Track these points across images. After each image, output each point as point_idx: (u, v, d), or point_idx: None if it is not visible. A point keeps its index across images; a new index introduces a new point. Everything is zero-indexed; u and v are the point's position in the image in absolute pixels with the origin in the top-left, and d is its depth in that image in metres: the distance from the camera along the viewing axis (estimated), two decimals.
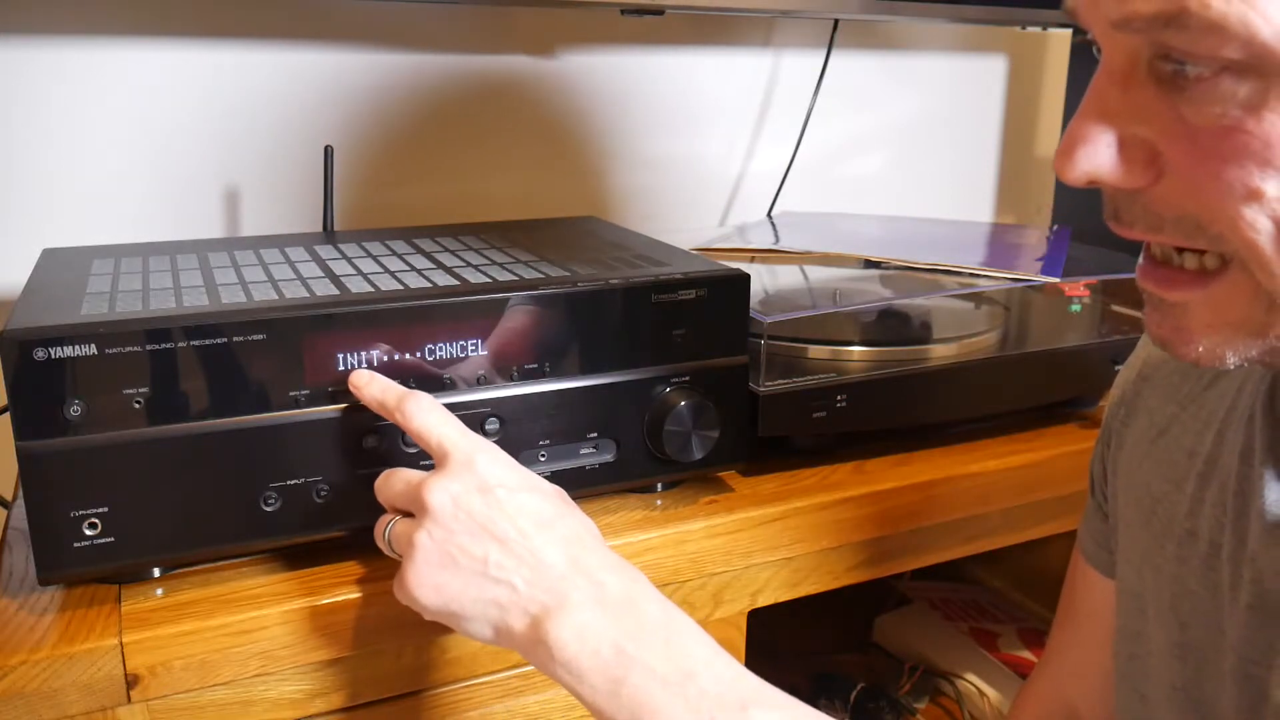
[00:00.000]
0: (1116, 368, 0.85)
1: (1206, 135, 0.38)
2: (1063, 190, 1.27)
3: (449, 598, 0.52)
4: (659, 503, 0.70)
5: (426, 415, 0.56)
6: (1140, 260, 0.45)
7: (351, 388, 0.59)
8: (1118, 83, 0.40)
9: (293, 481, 0.59)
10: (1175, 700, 0.54)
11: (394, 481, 0.56)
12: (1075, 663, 0.71)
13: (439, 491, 0.52)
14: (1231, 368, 0.43)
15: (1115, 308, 0.99)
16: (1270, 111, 0.36)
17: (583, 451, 0.66)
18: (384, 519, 0.57)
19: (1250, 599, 0.49)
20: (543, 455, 0.65)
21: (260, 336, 0.56)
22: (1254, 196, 0.37)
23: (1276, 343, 0.41)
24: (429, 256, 0.73)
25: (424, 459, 0.61)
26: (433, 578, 0.52)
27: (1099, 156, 0.41)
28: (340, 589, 0.59)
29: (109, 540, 0.55)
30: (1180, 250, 0.42)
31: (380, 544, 0.57)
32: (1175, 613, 0.54)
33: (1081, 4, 0.41)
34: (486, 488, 0.53)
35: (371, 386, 0.58)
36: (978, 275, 0.88)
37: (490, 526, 0.52)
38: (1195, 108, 0.38)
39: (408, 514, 0.55)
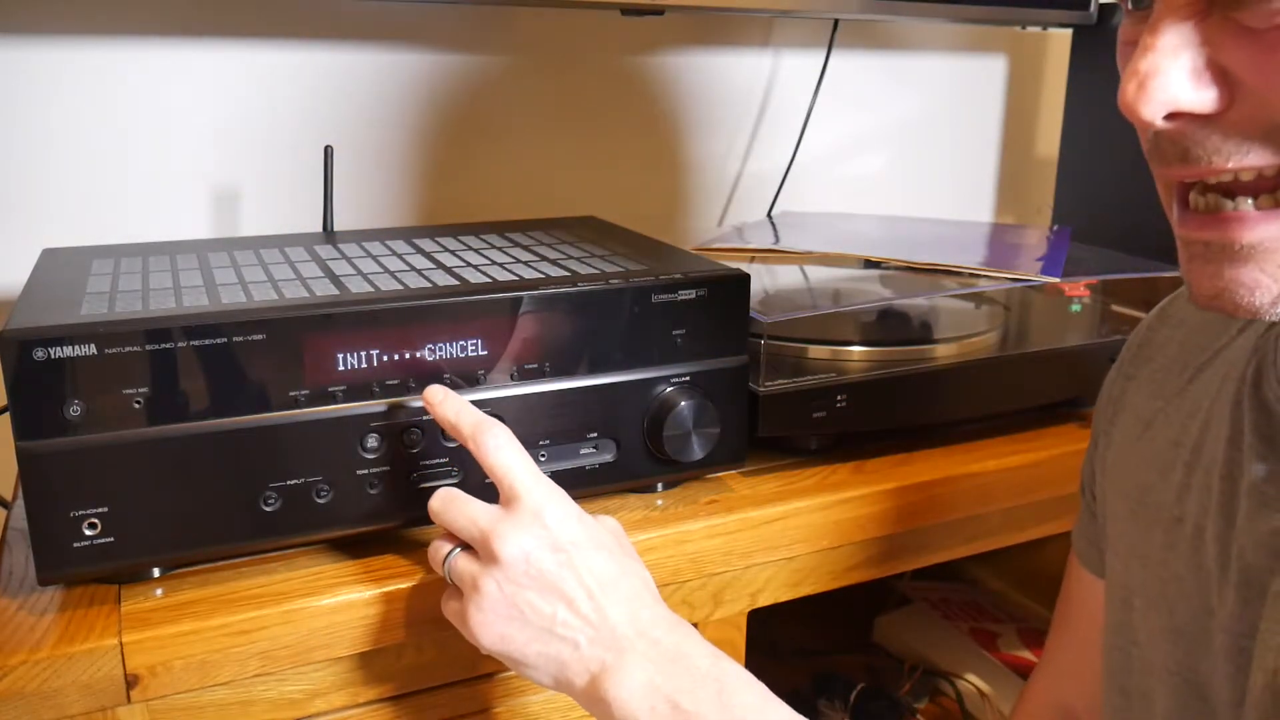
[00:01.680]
0: None
1: (1272, 35, 0.38)
2: (1063, 190, 1.27)
3: (513, 648, 0.54)
4: (659, 503, 0.70)
5: (502, 453, 0.56)
6: (1180, 215, 0.44)
7: (425, 402, 0.59)
8: (1180, 15, 0.40)
9: (293, 481, 0.59)
10: (1171, 684, 0.54)
11: (456, 512, 0.56)
12: (1071, 663, 0.71)
13: (511, 545, 0.54)
14: None
15: (1115, 308, 0.99)
16: None
17: (583, 451, 0.66)
18: (442, 545, 0.57)
19: (1238, 576, 0.49)
20: (543, 455, 0.65)
21: (260, 336, 0.56)
22: None
23: None
24: (429, 256, 0.73)
25: (426, 458, 0.61)
26: (499, 627, 0.54)
27: (1174, 85, 0.40)
28: (341, 589, 0.59)
29: (109, 540, 0.55)
30: (1233, 196, 0.42)
31: (436, 568, 0.58)
32: (1165, 599, 0.55)
33: None
34: (559, 546, 0.54)
35: (445, 406, 0.58)
36: (978, 275, 0.88)
37: (561, 586, 0.53)
38: (1252, 11, 0.38)
39: (466, 545, 0.56)
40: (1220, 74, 0.40)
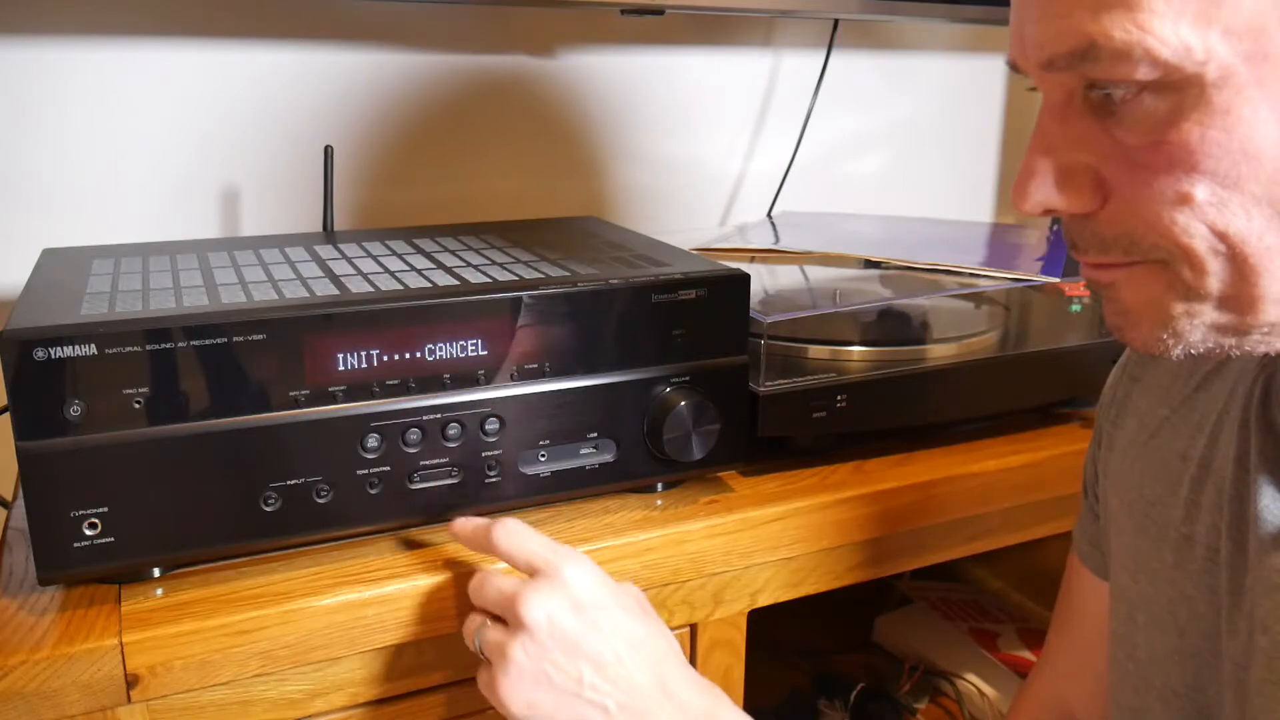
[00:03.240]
0: None
1: (1138, 152, 0.41)
2: None
3: (542, 715, 0.54)
4: (659, 503, 0.70)
5: (510, 537, 0.58)
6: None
7: (451, 534, 0.62)
8: (1057, 117, 0.43)
9: (293, 481, 0.59)
10: (1176, 705, 0.54)
11: (488, 589, 0.58)
12: (1071, 664, 0.71)
13: (535, 608, 0.54)
14: (1178, 355, 0.45)
15: None
16: (1187, 121, 0.39)
17: (583, 451, 0.66)
18: (475, 619, 0.58)
19: (1250, 607, 0.49)
20: (543, 455, 0.65)
21: (260, 336, 0.56)
22: (1185, 201, 0.40)
23: (1213, 330, 0.43)
24: (429, 256, 0.73)
25: (425, 458, 0.61)
26: (526, 693, 0.54)
27: (1046, 188, 0.44)
28: (340, 589, 0.59)
29: (109, 540, 0.55)
30: None
31: (468, 644, 0.58)
32: (1173, 618, 0.54)
33: (1015, 54, 0.44)
34: (580, 606, 0.55)
35: (466, 528, 0.61)
36: (978, 275, 0.88)
37: (585, 647, 0.54)
38: (1125, 128, 0.41)
39: (497, 617, 0.57)
40: (1094, 179, 0.43)
